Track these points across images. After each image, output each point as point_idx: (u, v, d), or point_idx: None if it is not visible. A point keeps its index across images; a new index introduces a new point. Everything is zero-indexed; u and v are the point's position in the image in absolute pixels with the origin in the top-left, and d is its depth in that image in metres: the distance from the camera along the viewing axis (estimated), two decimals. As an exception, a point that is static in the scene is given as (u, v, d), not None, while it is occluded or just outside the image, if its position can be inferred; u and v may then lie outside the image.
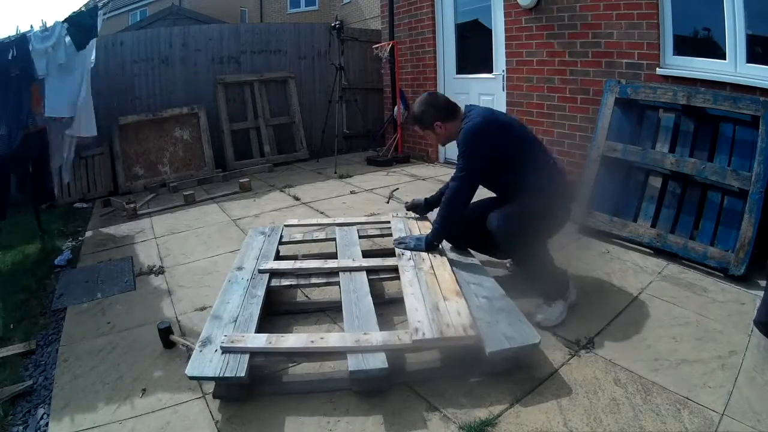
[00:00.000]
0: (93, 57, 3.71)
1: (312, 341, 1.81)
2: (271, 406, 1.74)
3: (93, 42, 3.58)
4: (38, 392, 1.98)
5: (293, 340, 1.85)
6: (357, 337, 1.80)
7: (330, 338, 1.84)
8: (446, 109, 2.37)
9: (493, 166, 2.26)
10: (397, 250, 2.43)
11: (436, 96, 2.48)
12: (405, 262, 2.30)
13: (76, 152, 4.24)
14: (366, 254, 2.57)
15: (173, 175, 5.31)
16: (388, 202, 3.15)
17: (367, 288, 2.18)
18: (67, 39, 3.43)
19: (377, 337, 1.80)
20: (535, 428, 1.59)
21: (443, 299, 1.97)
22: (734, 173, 2.61)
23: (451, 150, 5.43)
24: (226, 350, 1.76)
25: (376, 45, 5.92)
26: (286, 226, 2.97)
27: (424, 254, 2.37)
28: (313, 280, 2.34)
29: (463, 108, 2.40)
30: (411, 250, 2.40)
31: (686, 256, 2.71)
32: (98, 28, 3.49)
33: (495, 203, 2.37)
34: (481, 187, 2.34)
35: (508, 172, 2.26)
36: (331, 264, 2.39)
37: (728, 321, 2.14)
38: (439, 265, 2.27)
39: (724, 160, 2.73)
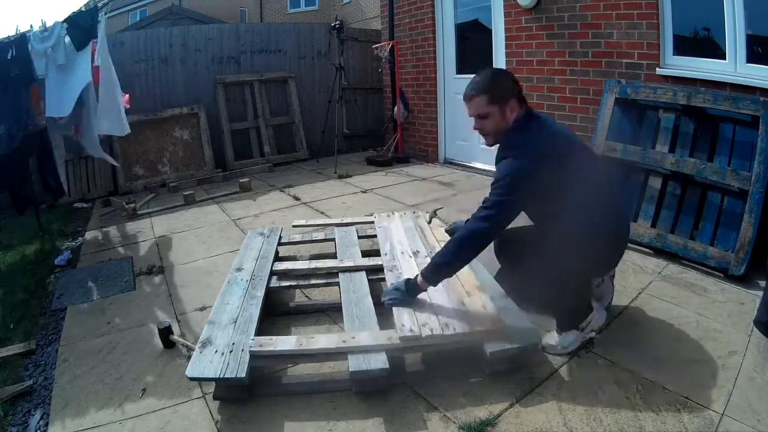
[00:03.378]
0: (108, 56, 3.69)
1: (344, 341, 1.78)
2: (271, 406, 1.74)
3: (105, 44, 3.55)
4: (38, 392, 1.98)
5: (324, 341, 1.81)
6: (389, 335, 1.79)
7: (361, 337, 1.80)
8: (520, 92, 1.90)
9: (534, 202, 1.85)
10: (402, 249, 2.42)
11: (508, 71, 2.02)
12: (422, 260, 2.30)
13: (74, 151, 4.26)
14: (365, 255, 2.57)
15: (173, 175, 5.31)
16: (429, 222, 2.58)
17: (367, 288, 2.18)
18: (67, 39, 3.42)
19: (407, 331, 1.77)
20: (535, 428, 1.59)
21: (467, 294, 1.99)
22: (734, 173, 2.61)
23: (452, 150, 5.46)
24: (255, 355, 1.75)
25: (376, 45, 5.92)
26: (294, 226, 2.95)
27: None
28: (313, 281, 2.34)
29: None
30: (397, 305, 1.92)
31: (686, 256, 2.71)
32: (99, 30, 3.48)
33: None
34: None
35: (550, 210, 1.84)
36: (347, 263, 2.38)
37: (728, 321, 2.14)
38: None
39: (724, 160, 2.73)
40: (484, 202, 1.83)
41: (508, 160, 1.81)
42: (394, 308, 1.90)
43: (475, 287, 2.05)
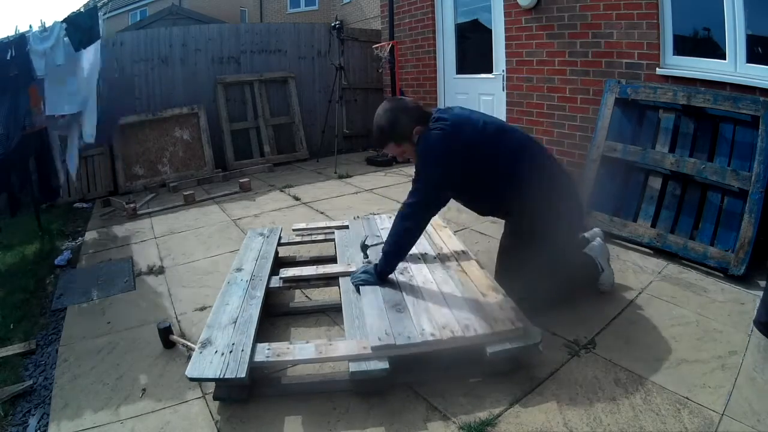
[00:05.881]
0: (99, 58, 3.70)
1: (364, 347, 1.74)
2: (271, 405, 1.74)
3: (97, 44, 3.57)
4: (38, 392, 1.98)
5: (344, 347, 1.76)
6: None
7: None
8: (418, 110, 2.03)
9: (472, 184, 2.00)
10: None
11: (400, 99, 2.13)
12: (432, 262, 2.30)
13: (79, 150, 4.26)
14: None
15: (173, 175, 5.31)
16: (366, 258, 2.37)
17: (366, 288, 2.17)
18: (66, 39, 3.43)
19: (428, 335, 1.76)
20: (535, 428, 1.59)
21: (482, 295, 1.99)
22: (734, 173, 2.61)
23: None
24: (271, 365, 1.75)
25: (376, 45, 5.92)
26: (294, 230, 2.93)
27: (447, 252, 2.38)
28: (313, 281, 2.33)
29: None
30: (361, 284, 2.09)
31: (686, 256, 2.70)
32: (101, 30, 3.49)
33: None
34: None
35: (497, 188, 2.02)
36: (354, 268, 2.32)
37: (728, 321, 2.14)
38: (466, 263, 2.27)
39: (723, 160, 2.73)
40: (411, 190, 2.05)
41: (420, 142, 2.00)
42: (411, 311, 1.90)
43: (489, 288, 2.04)
